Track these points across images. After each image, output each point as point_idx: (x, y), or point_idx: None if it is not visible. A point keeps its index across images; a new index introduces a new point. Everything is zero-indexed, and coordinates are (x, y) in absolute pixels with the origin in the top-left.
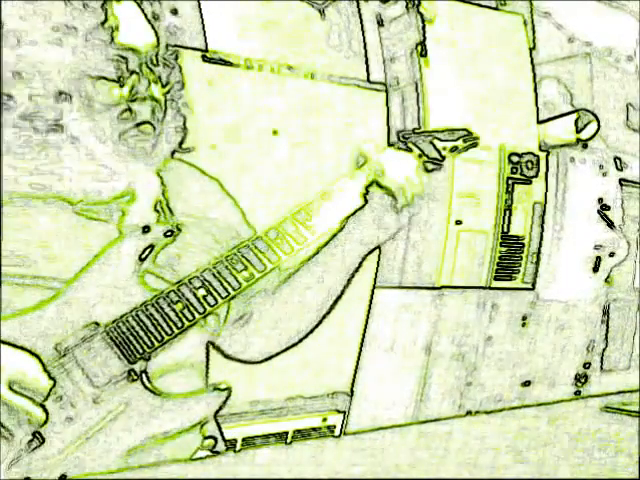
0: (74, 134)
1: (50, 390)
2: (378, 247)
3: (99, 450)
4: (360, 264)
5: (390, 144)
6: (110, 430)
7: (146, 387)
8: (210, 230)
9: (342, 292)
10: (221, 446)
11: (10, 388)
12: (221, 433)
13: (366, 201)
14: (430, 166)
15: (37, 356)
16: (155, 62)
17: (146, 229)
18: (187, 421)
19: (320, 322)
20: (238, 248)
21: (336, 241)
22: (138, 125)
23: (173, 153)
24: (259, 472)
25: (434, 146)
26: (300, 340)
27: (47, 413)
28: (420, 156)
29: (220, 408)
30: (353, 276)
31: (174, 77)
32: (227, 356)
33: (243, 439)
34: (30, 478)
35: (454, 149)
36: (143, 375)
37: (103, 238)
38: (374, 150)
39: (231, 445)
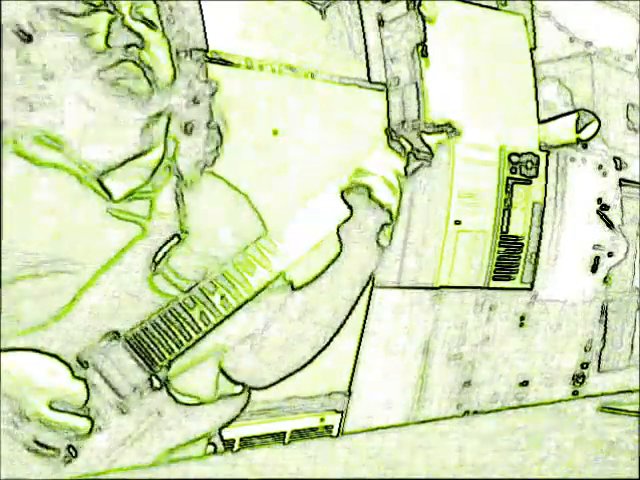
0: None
1: (88, 395)
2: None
3: (129, 460)
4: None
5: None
6: (141, 440)
7: (171, 395)
8: (218, 238)
9: (344, 321)
10: (219, 446)
11: (50, 407)
12: (219, 433)
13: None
14: (418, 163)
15: (67, 364)
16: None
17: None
18: (214, 424)
19: (319, 352)
20: (246, 250)
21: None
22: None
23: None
24: (257, 472)
25: (422, 140)
26: (306, 364)
27: (91, 420)
28: (410, 152)
29: (245, 406)
30: (362, 291)
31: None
32: (234, 382)
33: (241, 439)
34: None
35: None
36: (167, 383)
37: (123, 238)
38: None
39: (229, 445)
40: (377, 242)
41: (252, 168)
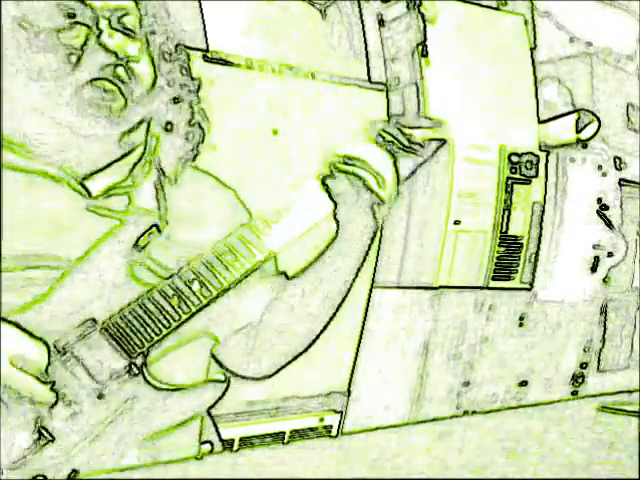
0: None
1: (49, 361)
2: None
3: (108, 446)
4: (363, 261)
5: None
6: (117, 425)
7: (147, 382)
8: (201, 229)
9: (345, 295)
10: (218, 446)
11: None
12: (218, 433)
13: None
14: (414, 162)
15: (47, 345)
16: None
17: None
18: (189, 411)
19: (325, 328)
20: (226, 239)
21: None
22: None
23: (184, 164)
24: (257, 472)
25: (408, 137)
26: (307, 348)
27: (56, 394)
28: (400, 148)
29: (222, 395)
30: (357, 275)
31: (193, 88)
32: (231, 372)
33: (240, 439)
34: (45, 476)
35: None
36: (144, 369)
37: (103, 228)
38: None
39: (228, 445)
40: (373, 214)
41: (252, 167)
